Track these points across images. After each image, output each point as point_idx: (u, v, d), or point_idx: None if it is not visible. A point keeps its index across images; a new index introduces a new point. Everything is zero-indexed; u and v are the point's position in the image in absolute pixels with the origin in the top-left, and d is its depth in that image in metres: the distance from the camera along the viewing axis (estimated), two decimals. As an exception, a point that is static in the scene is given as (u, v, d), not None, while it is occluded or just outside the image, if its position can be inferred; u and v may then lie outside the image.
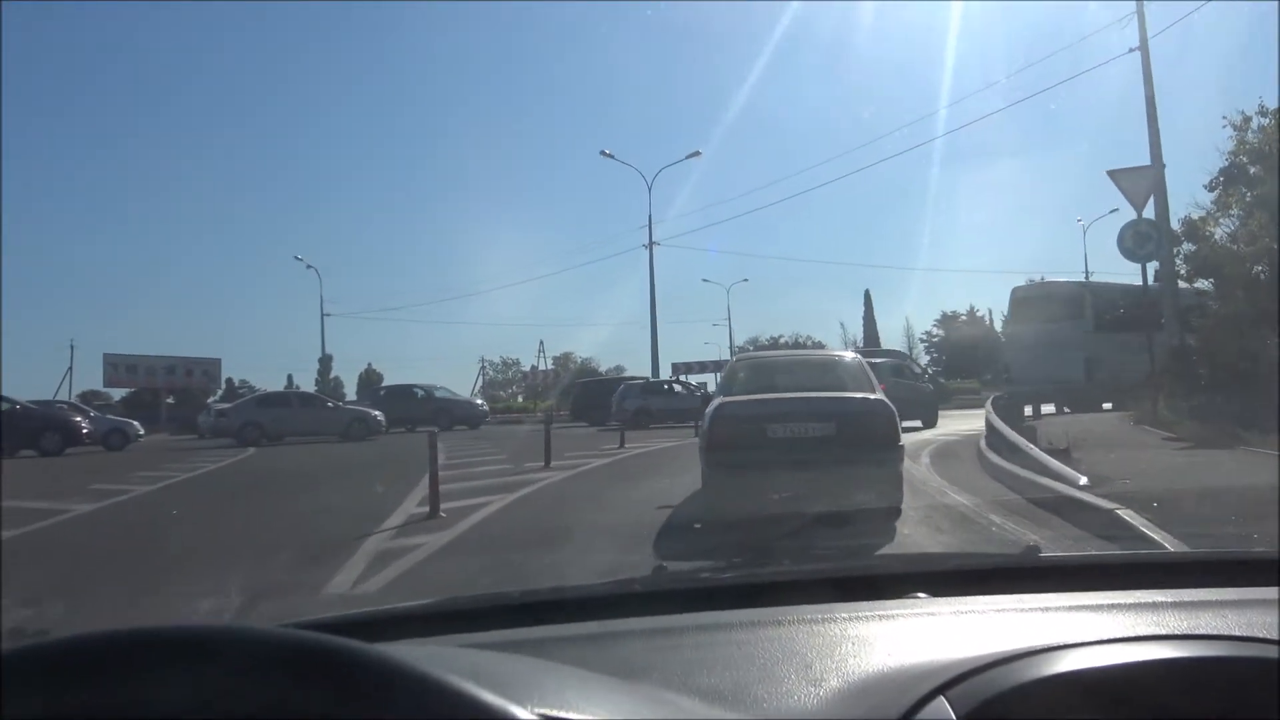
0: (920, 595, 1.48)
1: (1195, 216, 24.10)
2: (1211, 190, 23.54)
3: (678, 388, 30.65)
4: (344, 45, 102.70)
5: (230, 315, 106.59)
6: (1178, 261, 26.03)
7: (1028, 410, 21.29)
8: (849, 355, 10.78)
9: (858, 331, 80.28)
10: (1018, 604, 1.39)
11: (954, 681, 1.03)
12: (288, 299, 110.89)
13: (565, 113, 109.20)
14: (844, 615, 1.33)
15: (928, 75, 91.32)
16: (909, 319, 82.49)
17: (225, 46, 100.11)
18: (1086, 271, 58.48)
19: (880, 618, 1.34)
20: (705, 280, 65.74)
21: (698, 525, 7.99)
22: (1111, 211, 60.57)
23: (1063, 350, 22.35)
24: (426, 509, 9.63)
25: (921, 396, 22.41)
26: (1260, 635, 1.17)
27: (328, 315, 57.15)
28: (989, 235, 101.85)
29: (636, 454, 17.34)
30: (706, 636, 1.29)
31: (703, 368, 44.51)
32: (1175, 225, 25.45)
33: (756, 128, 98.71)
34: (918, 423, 20.87)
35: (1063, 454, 10.29)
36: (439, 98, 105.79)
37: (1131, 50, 19.31)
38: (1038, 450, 10.27)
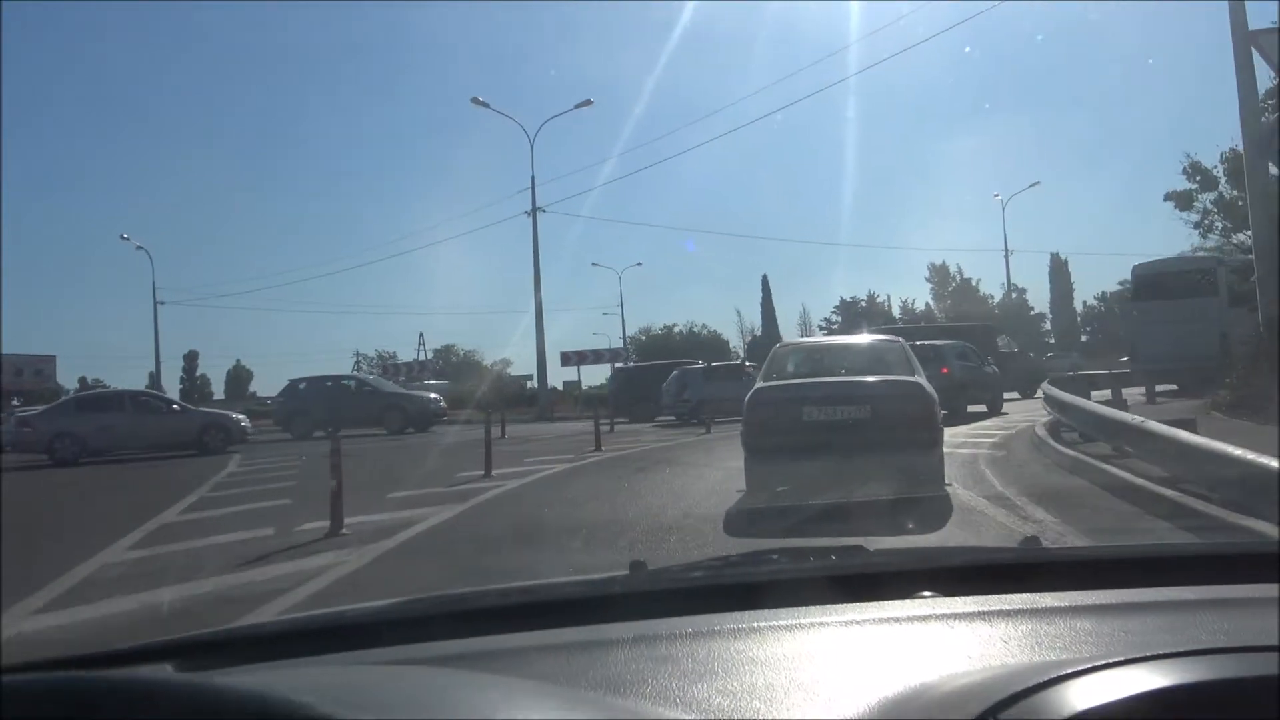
0: (926, 594, 1.34)
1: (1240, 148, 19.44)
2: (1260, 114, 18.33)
3: (747, 373, 23.50)
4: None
5: (50, 305, 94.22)
6: (1214, 214, 23.20)
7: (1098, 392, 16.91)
8: (890, 339, 9.90)
9: (755, 318, 75.43)
10: (1032, 604, 1.26)
11: (1006, 702, 0.88)
12: (113, 285, 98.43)
13: (432, 61, 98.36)
14: (851, 617, 1.24)
15: (832, 39, 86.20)
16: (805, 306, 77.99)
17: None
18: (1006, 249, 54.59)
19: (890, 620, 1.23)
20: (595, 264, 59.79)
21: None
22: (1031, 186, 57.63)
23: (1196, 327, 20.18)
24: None
25: (983, 380, 20.45)
26: None
27: (162, 303, 48.31)
28: (894, 214, 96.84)
29: (509, 491, 10.52)
30: (701, 644, 1.15)
31: (597, 357, 37.72)
32: (1218, 164, 22.58)
33: (654, 85, 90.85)
34: (982, 407, 19.70)
35: None
36: (280, 41, 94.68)
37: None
38: None
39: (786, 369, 9.07)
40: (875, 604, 1.30)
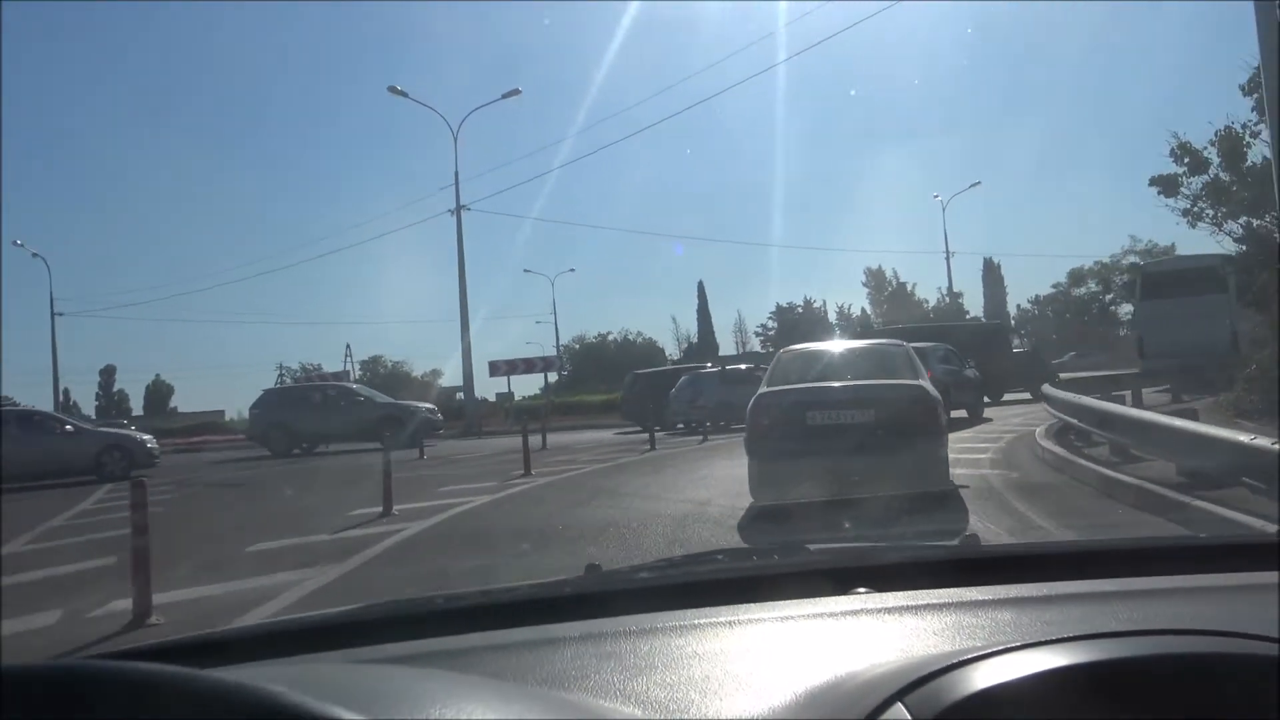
0: (861, 590, 1.36)
1: (1235, 128, 17.68)
2: (1251, 93, 16.45)
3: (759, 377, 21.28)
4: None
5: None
6: (1203, 200, 21.84)
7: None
8: (894, 343, 9.79)
9: (691, 325, 73.76)
10: (959, 598, 1.27)
11: (912, 686, 0.94)
12: (10, 296, 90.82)
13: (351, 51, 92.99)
14: (788, 613, 1.27)
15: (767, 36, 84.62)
16: (740, 312, 76.33)
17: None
18: (947, 250, 53.27)
19: (823, 615, 1.26)
20: (528, 271, 57.33)
21: None
22: (971, 186, 56.30)
23: (1205, 323, 19.41)
24: None
25: (965, 384, 19.03)
26: (1197, 627, 1.06)
27: (60, 314, 44.58)
28: (832, 218, 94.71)
29: (403, 543, 8.05)
30: (643, 641, 1.18)
31: (529, 367, 35.19)
32: (1210, 139, 20.38)
33: (590, 83, 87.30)
34: (963, 412, 18.58)
35: None
36: (190, 32, 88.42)
37: None
38: None
39: (790, 374, 8.75)
40: (811, 600, 1.31)
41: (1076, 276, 68.10)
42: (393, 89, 28.77)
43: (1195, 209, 19.57)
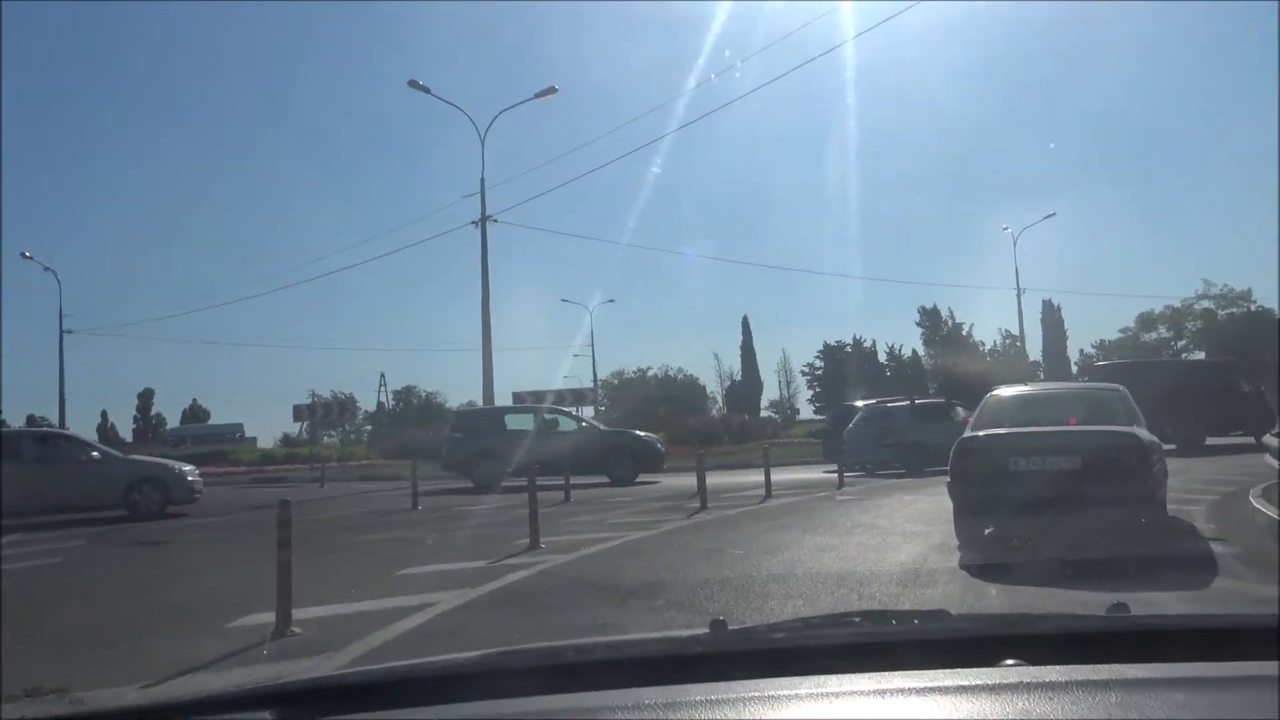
0: (1010, 662, 1.26)
1: None
2: None
3: (961, 412, 18.73)
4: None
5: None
6: None
7: None
8: (1110, 387, 9.43)
9: (735, 362, 69.97)
10: (1120, 675, 1.16)
11: None
12: (15, 310, 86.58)
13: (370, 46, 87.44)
14: (933, 684, 1.17)
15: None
16: (785, 351, 72.31)
17: None
18: (1018, 286, 48.61)
19: (971, 688, 1.15)
20: (565, 300, 53.93)
21: None
22: (1047, 218, 51.10)
23: None
24: None
25: None
26: None
27: (69, 332, 41.81)
28: (887, 250, 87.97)
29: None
30: (779, 709, 1.12)
31: (559, 399, 31.50)
32: None
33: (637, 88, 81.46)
34: None
35: None
36: (203, 34, 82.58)
37: None
38: None
39: (997, 417, 8.32)
40: (959, 671, 1.22)
41: (1145, 321, 63.29)
42: (414, 84, 25.43)
43: None
